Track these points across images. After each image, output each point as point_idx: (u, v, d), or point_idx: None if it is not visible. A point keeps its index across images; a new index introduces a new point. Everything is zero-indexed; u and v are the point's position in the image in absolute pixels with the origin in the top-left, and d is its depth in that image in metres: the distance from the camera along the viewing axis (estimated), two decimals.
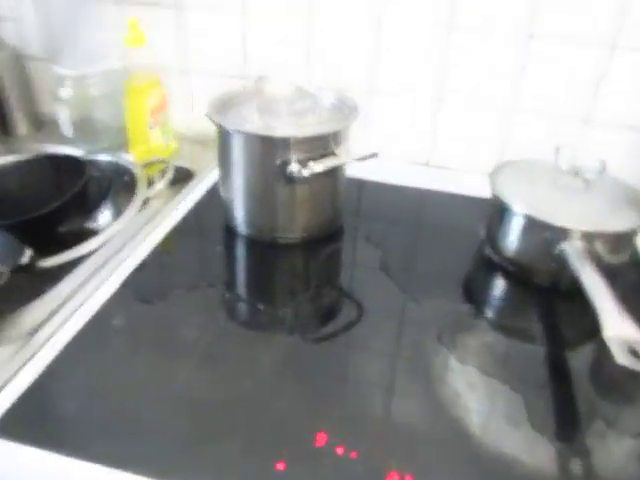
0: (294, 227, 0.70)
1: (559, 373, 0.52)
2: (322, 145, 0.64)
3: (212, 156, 0.87)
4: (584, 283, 0.53)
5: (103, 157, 0.87)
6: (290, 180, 0.63)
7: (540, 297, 0.63)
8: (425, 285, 0.64)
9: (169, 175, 0.82)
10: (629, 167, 0.80)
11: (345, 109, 0.69)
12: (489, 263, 0.69)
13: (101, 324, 0.56)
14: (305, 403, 0.48)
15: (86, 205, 0.80)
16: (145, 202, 0.79)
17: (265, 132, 0.63)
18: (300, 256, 0.70)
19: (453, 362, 0.52)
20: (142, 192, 0.80)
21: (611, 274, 0.55)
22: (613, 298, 0.50)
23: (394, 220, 0.77)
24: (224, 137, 0.67)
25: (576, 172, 0.64)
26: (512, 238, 0.65)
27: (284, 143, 0.62)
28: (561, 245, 0.59)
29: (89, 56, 0.90)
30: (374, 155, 0.63)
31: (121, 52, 0.84)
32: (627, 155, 0.79)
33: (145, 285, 0.63)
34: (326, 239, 0.71)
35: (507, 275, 0.66)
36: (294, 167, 0.62)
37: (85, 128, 0.93)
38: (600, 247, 0.59)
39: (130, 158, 0.88)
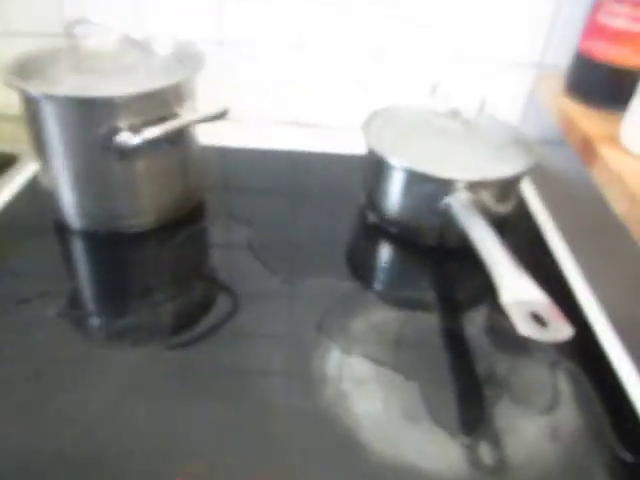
0: (140, 212, 0.57)
1: (458, 349, 0.46)
2: (160, 105, 0.51)
3: None
4: (474, 240, 0.47)
5: None
6: (124, 153, 0.51)
7: (429, 260, 0.57)
8: (303, 262, 0.55)
9: None
10: (507, 105, 0.77)
11: (187, 60, 0.56)
12: (372, 228, 0.61)
13: None
14: (163, 436, 0.37)
15: None
16: None
17: (82, 93, 0.49)
18: (152, 246, 0.57)
19: (337, 355, 0.44)
20: None
21: (499, 225, 0.49)
22: (507, 255, 0.44)
23: (263, 190, 0.67)
24: (32, 107, 0.52)
25: (454, 114, 0.58)
26: (392, 196, 0.58)
27: (109, 106, 0.49)
28: (446, 199, 0.53)
29: None
30: (224, 113, 0.52)
31: None
32: (504, 93, 0.75)
33: None
34: (183, 222, 0.59)
35: (392, 239, 0.59)
36: (124, 136, 0.49)
37: None
38: (487, 197, 0.54)
39: None
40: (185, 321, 0.48)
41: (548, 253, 0.58)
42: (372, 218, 0.61)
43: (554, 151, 0.70)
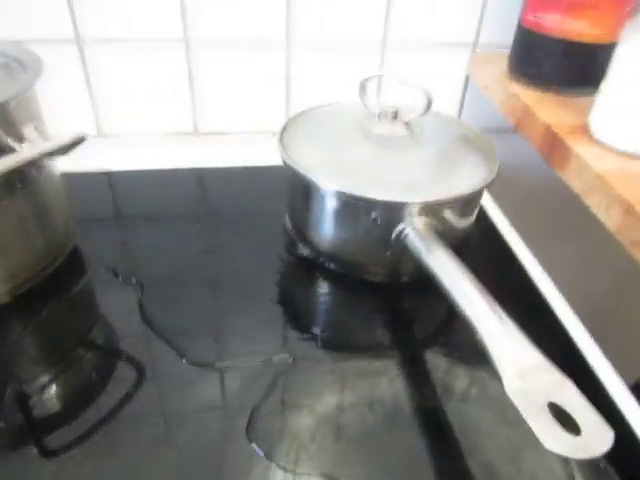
0: None
1: (434, 433, 0.35)
2: None
3: None
4: (444, 283, 0.35)
5: None
6: None
7: (379, 299, 0.45)
8: (217, 329, 0.41)
9: None
10: (444, 96, 0.66)
11: (18, 68, 0.40)
12: (303, 263, 0.48)
13: None
14: None
15: None
16: None
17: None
18: (10, 322, 0.41)
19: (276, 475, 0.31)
20: None
21: (460, 244, 0.38)
22: (494, 308, 0.32)
23: (158, 224, 0.52)
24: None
25: (393, 115, 0.46)
26: (325, 227, 0.45)
27: None
28: (397, 227, 0.41)
29: None
30: (79, 140, 0.36)
31: None
32: (439, 82, 0.64)
33: None
34: (50, 285, 0.44)
35: (331, 277, 0.47)
36: None
37: None
38: (448, 216, 0.42)
39: None
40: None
41: (517, 267, 0.49)
42: (302, 250, 0.48)
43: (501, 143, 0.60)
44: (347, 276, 0.46)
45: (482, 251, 0.51)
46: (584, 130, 0.46)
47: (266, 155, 0.56)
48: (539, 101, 0.51)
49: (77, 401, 0.36)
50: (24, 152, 0.36)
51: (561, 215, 0.52)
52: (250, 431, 0.34)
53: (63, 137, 0.37)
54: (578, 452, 0.25)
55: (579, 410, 0.27)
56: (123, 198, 0.56)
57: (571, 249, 0.51)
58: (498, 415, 0.36)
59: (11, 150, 0.36)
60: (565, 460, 0.33)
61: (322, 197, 0.43)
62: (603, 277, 0.49)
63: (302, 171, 0.43)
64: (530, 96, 0.52)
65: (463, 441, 0.34)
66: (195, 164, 0.60)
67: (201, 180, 0.59)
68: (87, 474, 0.31)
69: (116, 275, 0.45)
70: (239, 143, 0.64)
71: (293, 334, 0.41)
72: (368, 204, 0.41)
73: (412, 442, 0.34)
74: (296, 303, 0.46)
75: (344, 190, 0.41)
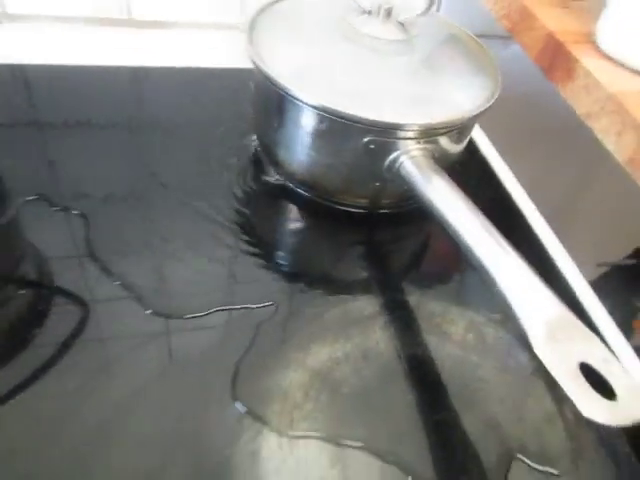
0: None
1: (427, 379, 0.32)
2: None
3: None
4: (453, 226, 0.31)
5: None
6: None
7: (360, 232, 0.41)
8: (173, 269, 0.36)
9: None
10: None
11: None
12: (272, 189, 0.42)
13: None
14: None
15: None
16: None
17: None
18: None
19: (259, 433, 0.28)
20: None
21: (449, 172, 0.34)
22: (515, 260, 0.29)
23: (87, 133, 0.43)
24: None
25: (386, 12, 0.38)
26: (302, 147, 0.38)
27: None
28: (392, 154, 0.35)
29: None
30: None
31: None
32: None
33: None
34: None
35: (304, 205, 0.41)
36: None
37: None
38: (445, 141, 0.37)
39: None
40: None
41: (507, 200, 0.45)
42: (272, 175, 0.42)
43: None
44: (322, 206, 0.41)
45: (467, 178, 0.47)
46: (590, 40, 0.41)
47: (221, 53, 0.47)
48: (539, 2, 0.45)
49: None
50: None
51: (552, 138, 0.48)
52: (235, 390, 0.30)
53: None
54: (618, 419, 0.23)
55: (613, 372, 0.24)
56: (40, 99, 0.45)
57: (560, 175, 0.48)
58: (497, 362, 0.34)
59: None
60: (564, 408, 0.32)
61: (300, 112, 0.36)
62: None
63: (277, 78, 0.35)
64: None
65: (464, 391, 0.32)
66: (129, 61, 0.49)
67: (138, 81, 0.49)
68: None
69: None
70: (186, 37, 0.54)
71: (268, 276, 0.36)
72: (358, 125, 0.34)
73: (411, 395, 0.31)
74: (267, 239, 0.40)
75: (330, 106, 0.34)
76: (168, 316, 0.32)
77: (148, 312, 0.32)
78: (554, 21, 0.43)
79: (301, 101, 0.35)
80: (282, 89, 0.35)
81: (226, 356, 0.31)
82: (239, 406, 0.29)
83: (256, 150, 0.44)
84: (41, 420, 0.27)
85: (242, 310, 0.33)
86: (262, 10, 0.40)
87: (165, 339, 0.32)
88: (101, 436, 0.27)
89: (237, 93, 0.46)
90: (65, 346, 0.30)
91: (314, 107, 0.35)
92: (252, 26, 0.38)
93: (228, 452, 0.27)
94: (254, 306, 0.34)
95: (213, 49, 0.50)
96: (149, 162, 0.42)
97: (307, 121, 0.36)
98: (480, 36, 0.53)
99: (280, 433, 0.28)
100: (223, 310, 0.33)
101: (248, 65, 0.38)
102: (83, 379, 0.29)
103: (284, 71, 0.36)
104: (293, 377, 0.31)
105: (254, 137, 0.44)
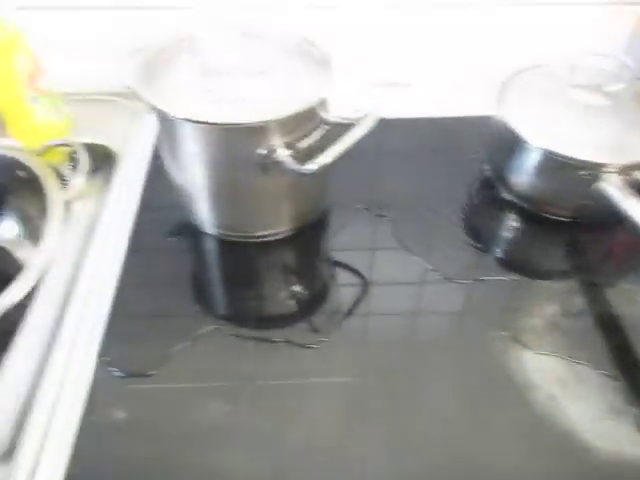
0: (277, 222, 0.56)
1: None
2: (308, 117, 0.48)
3: (122, 122, 0.69)
4: None
5: None
6: (280, 171, 0.49)
7: (563, 233, 0.58)
8: (449, 251, 0.56)
9: (84, 163, 0.62)
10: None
11: (307, 51, 0.52)
12: (498, 200, 0.61)
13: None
14: None
15: None
16: (68, 205, 0.61)
17: (230, 120, 0.45)
18: (290, 251, 0.58)
19: (529, 356, 0.47)
20: (55, 193, 0.60)
21: None
22: None
23: (380, 169, 0.65)
24: (169, 124, 0.49)
25: (597, 86, 0.56)
26: (530, 175, 0.57)
27: (262, 129, 0.46)
28: (597, 183, 0.53)
29: None
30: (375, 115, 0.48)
31: None
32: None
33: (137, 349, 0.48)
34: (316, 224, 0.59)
35: (521, 213, 0.60)
36: (283, 157, 0.47)
37: None
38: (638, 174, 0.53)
39: (15, 144, 0.65)
40: None
41: None
42: (501, 193, 0.61)
43: None
44: (537, 215, 0.59)
45: None
46: None
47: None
48: None
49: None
50: (356, 130, 0.47)
51: None
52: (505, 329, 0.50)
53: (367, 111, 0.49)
54: None
55: None
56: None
57: None
58: None
59: (323, 122, 0.50)
60: None
61: (530, 152, 0.55)
62: None
63: (515, 126, 0.55)
64: None
65: None
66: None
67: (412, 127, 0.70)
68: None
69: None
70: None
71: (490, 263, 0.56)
72: (572, 163, 0.52)
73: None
74: (492, 237, 0.59)
75: (552, 149, 0.53)
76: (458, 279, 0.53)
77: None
78: None
79: (530, 143, 0.54)
80: (517, 134, 0.54)
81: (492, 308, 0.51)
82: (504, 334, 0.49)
83: (488, 175, 0.63)
84: None
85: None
86: (507, 80, 0.59)
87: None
88: None
89: (474, 134, 0.66)
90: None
91: (539, 149, 0.54)
92: (499, 92, 0.58)
93: None
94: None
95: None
96: (420, 181, 0.63)
97: (536, 158, 0.55)
98: None
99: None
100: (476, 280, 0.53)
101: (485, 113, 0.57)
102: None
103: (519, 122, 0.55)
104: (533, 322, 0.50)
105: (487, 166, 0.63)
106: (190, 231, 0.58)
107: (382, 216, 0.59)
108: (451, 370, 0.47)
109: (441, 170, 0.65)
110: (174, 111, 0.45)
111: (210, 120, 0.45)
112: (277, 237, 0.57)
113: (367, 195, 0.62)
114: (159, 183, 0.61)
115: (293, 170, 0.47)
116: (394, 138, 0.68)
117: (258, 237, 0.56)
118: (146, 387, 0.45)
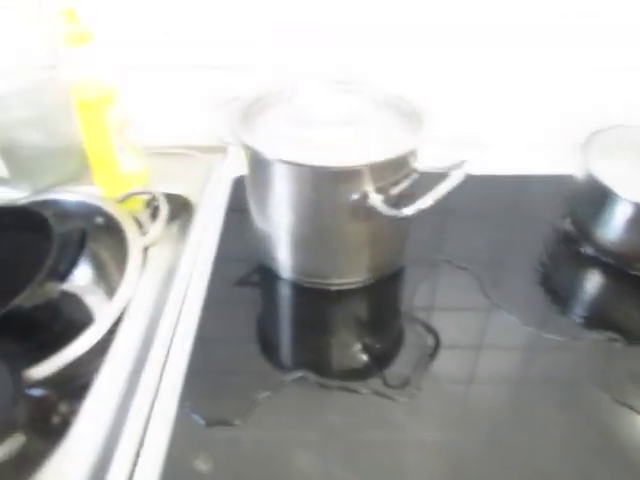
0: (359, 270, 0.55)
1: None
2: (400, 165, 0.49)
3: (198, 174, 0.71)
4: None
5: (62, 196, 0.66)
6: (368, 216, 0.49)
7: None
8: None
9: (164, 211, 0.63)
10: None
11: (398, 105, 0.53)
12: (585, 258, 0.59)
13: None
14: None
15: (56, 272, 0.60)
16: (144, 253, 0.61)
17: (327, 164, 0.46)
18: (369, 301, 0.56)
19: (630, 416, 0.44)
20: (135, 239, 0.61)
21: None
22: None
23: (458, 223, 0.65)
24: (262, 166, 0.49)
25: None
26: (618, 230, 0.55)
27: (357, 174, 0.47)
28: None
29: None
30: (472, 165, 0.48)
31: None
32: None
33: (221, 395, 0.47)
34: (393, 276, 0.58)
35: (606, 269, 0.57)
36: (377, 201, 0.47)
37: (16, 161, 0.69)
38: None
39: (97, 193, 0.67)
40: None
41: None
42: (584, 248, 0.59)
43: None
44: (621, 269, 0.57)
45: None
46: None
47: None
48: None
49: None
50: (452, 178, 0.46)
51: None
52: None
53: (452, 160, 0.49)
54: None
55: None
56: None
57: None
58: None
59: (413, 171, 0.50)
60: None
61: (618, 204, 0.54)
62: None
63: (602, 179, 0.54)
64: None
65: None
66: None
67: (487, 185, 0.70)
68: None
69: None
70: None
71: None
72: None
73: None
74: (574, 294, 0.57)
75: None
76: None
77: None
78: None
79: (618, 196, 0.53)
80: (605, 187, 0.53)
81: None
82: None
83: (569, 231, 0.62)
84: None
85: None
86: (593, 135, 0.59)
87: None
88: None
89: (553, 191, 0.65)
90: None
91: (629, 201, 0.52)
92: (585, 146, 0.58)
93: None
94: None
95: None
96: (502, 237, 0.62)
97: (625, 211, 0.54)
98: None
99: None
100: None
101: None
102: None
103: (610, 175, 0.54)
104: None
105: (568, 220, 0.62)
106: (267, 278, 0.58)
107: (464, 269, 0.58)
108: (556, 432, 0.43)
109: (520, 226, 0.64)
110: (269, 152, 0.46)
111: (306, 162, 0.46)
112: (354, 286, 0.55)
113: (447, 250, 0.61)
114: (235, 233, 0.62)
115: (386, 215, 0.46)
116: (473, 194, 0.67)
117: (335, 285, 0.55)
118: (231, 436, 0.43)
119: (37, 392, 0.51)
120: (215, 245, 0.61)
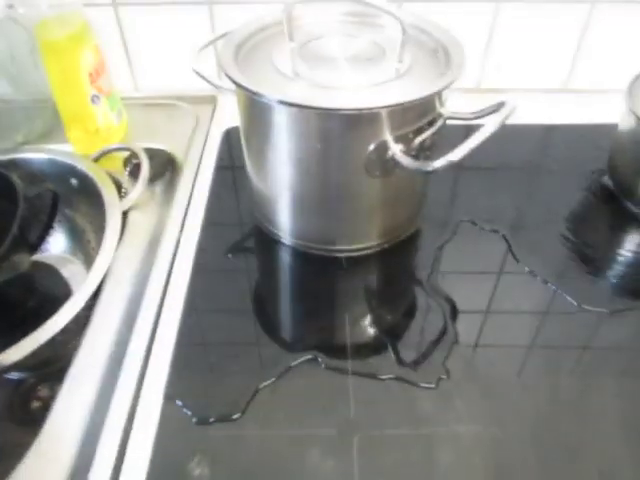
0: (370, 233, 0.48)
1: None
2: (425, 109, 0.41)
3: (183, 127, 0.63)
4: None
5: (30, 155, 0.58)
6: (385, 171, 0.41)
7: None
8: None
9: (145, 169, 0.55)
10: None
11: (426, 38, 0.45)
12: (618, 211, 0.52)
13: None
14: None
15: (25, 241, 0.53)
16: (124, 217, 0.53)
17: (339, 106, 0.38)
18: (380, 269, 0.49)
19: None
20: (114, 202, 0.53)
21: None
22: None
23: (488, 183, 0.57)
24: (260, 111, 0.41)
25: None
26: None
27: (375, 118, 0.38)
28: None
29: None
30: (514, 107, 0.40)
31: None
32: None
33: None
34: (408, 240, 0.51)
35: None
36: (397, 153, 0.39)
37: None
38: None
39: (69, 150, 0.59)
40: None
41: None
42: (623, 203, 0.52)
43: None
44: None
45: None
46: None
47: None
48: None
49: None
50: (486, 128, 0.38)
51: None
52: None
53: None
54: None
55: None
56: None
57: None
58: None
59: (440, 116, 0.42)
60: None
61: None
62: None
63: None
64: None
65: None
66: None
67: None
68: None
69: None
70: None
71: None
72: None
73: None
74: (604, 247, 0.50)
75: None
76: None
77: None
78: None
79: None
80: None
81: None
82: None
83: (609, 186, 0.54)
84: None
85: None
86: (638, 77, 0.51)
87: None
88: None
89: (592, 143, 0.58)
90: None
91: None
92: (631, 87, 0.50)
93: None
94: None
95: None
96: (532, 193, 0.55)
97: None
98: None
99: None
100: None
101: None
102: None
103: None
104: None
105: (606, 175, 0.55)
106: (265, 244, 0.50)
107: (490, 230, 0.50)
108: (608, 413, 0.37)
109: (551, 181, 0.56)
110: (268, 94, 0.38)
111: (312, 104, 0.37)
112: (366, 252, 0.48)
113: (470, 209, 0.53)
114: (226, 193, 0.55)
115: (409, 169, 0.39)
116: (498, 146, 0.59)
117: (344, 251, 0.48)
118: (229, 434, 0.36)
119: (13, 376, 0.48)
120: (204, 207, 0.53)
